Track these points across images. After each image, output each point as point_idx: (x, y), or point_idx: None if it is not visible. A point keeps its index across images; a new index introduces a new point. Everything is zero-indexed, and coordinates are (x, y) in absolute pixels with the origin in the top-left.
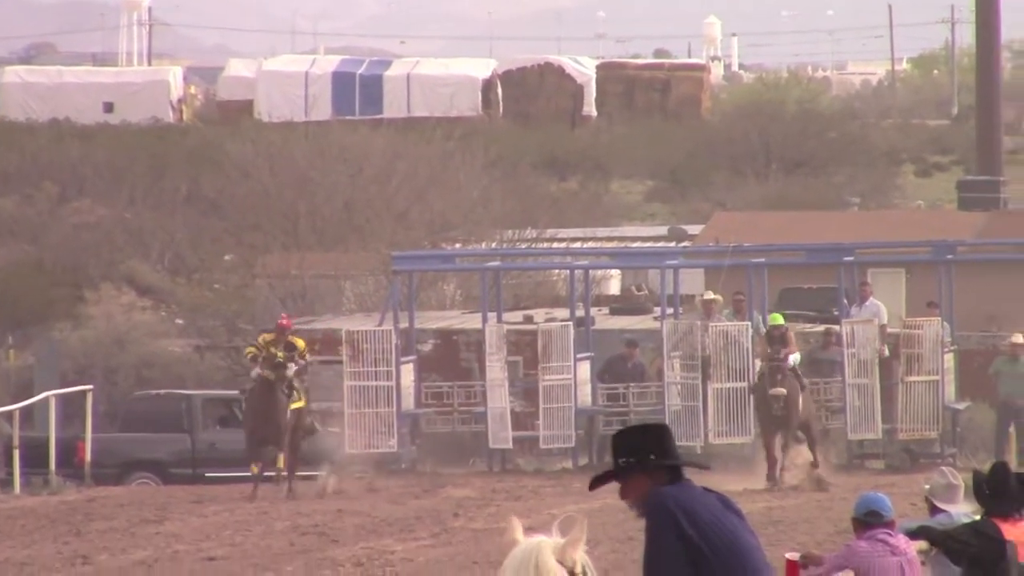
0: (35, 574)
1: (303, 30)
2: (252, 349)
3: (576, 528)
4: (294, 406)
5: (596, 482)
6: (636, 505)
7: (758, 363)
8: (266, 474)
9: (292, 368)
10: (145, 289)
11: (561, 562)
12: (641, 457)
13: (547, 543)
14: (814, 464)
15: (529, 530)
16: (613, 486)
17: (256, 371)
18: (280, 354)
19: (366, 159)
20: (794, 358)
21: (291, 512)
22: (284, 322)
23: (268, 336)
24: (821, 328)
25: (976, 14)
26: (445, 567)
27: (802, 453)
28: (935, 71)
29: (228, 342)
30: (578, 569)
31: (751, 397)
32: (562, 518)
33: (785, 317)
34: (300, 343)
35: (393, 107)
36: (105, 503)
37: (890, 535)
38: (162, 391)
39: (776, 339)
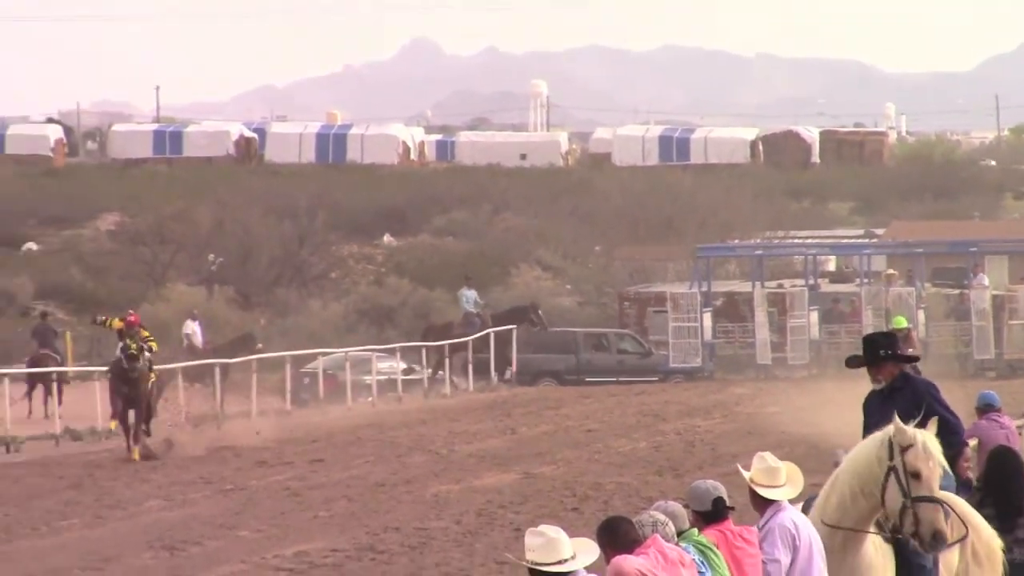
0: (481, 439)
1: (640, 109)
2: (109, 322)
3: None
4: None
5: (851, 364)
6: (887, 381)
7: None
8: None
9: (145, 357)
10: (547, 266)
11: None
12: (895, 351)
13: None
14: None
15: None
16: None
17: (120, 347)
18: (133, 346)
19: (679, 189)
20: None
21: (638, 402)
22: (132, 319)
23: (119, 324)
24: (958, 292)
25: None
26: (731, 435)
27: None
28: None
29: (597, 300)
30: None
31: None
32: None
33: (935, 286)
34: (145, 333)
35: (696, 157)
36: (523, 397)
37: (999, 417)
38: (558, 328)
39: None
